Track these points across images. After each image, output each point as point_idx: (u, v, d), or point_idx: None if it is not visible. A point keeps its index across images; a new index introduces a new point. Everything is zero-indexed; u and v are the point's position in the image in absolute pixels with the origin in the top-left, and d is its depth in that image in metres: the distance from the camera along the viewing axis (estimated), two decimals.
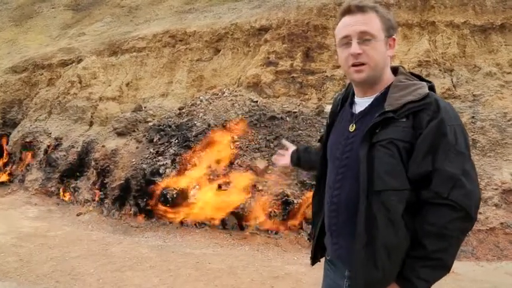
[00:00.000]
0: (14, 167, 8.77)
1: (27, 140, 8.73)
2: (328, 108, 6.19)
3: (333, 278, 1.59)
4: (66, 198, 7.32)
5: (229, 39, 8.26)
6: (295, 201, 5.46)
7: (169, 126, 7.03)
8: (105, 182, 6.87)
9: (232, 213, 5.61)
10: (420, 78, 1.48)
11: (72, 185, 7.42)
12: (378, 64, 1.40)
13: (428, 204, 1.29)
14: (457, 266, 4.42)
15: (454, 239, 1.28)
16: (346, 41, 1.41)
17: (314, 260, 1.72)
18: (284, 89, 7.22)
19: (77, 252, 4.83)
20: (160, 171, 6.25)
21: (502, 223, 4.97)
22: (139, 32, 9.54)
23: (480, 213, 5.09)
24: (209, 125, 6.68)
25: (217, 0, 9.92)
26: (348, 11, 1.42)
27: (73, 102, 8.76)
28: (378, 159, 1.31)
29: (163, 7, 10.59)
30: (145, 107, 7.98)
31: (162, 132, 6.97)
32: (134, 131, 7.55)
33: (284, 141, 2.30)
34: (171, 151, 6.50)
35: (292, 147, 2.12)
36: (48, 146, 8.28)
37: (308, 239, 5.14)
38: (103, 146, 7.40)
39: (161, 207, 6.00)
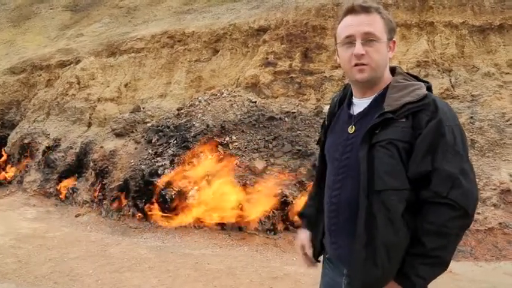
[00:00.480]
0: (13, 168, 8.75)
1: (26, 141, 8.72)
2: (326, 108, 6.19)
3: (331, 276, 1.60)
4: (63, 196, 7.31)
5: (228, 40, 8.26)
6: (294, 202, 5.46)
7: (168, 127, 7.03)
8: (103, 183, 6.86)
9: (231, 213, 5.60)
10: (417, 78, 1.49)
11: (71, 186, 7.41)
12: (379, 66, 1.41)
13: (428, 203, 1.30)
14: (455, 266, 4.43)
15: (452, 236, 1.30)
16: (350, 40, 1.40)
17: (316, 259, 1.72)
18: (283, 89, 7.22)
19: (75, 253, 4.82)
20: (159, 172, 6.24)
21: (500, 223, 4.98)
22: (137, 32, 9.53)
23: (478, 213, 5.09)
24: (208, 126, 6.68)
25: (216, 1, 9.92)
26: (352, 10, 1.41)
27: (71, 103, 8.75)
28: (377, 159, 1.32)
29: (162, 8, 10.59)
30: (143, 108, 7.97)
31: (160, 133, 6.96)
32: (133, 131, 7.54)
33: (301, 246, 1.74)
34: (170, 152, 6.49)
35: (304, 237, 1.73)
36: (47, 147, 8.27)
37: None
38: (101, 147, 7.39)
39: (160, 208, 5.99)
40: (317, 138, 1.88)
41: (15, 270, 4.29)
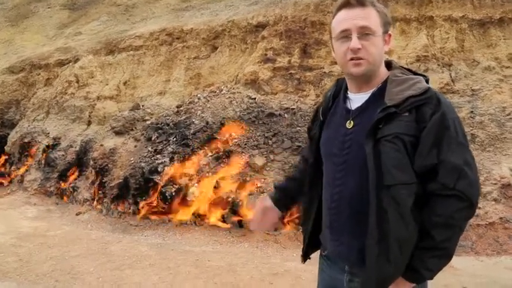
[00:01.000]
0: (13, 167, 8.76)
1: (26, 140, 8.72)
2: None
3: (329, 273, 1.58)
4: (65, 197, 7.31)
5: (227, 37, 8.23)
6: None
7: (167, 125, 7.02)
8: (103, 181, 6.86)
9: (231, 210, 5.61)
10: (413, 72, 1.48)
11: (71, 185, 7.41)
12: (376, 60, 1.40)
13: (435, 196, 1.31)
14: (456, 261, 4.42)
15: (458, 228, 1.31)
16: (345, 34, 1.39)
17: (305, 257, 1.72)
18: (282, 85, 7.20)
19: (76, 252, 4.82)
20: (159, 169, 6.24)
21: (501, 218, 4.97)
22: (136, 30, 9.51)
23: (479, 208, 5.08)
24: (207, 123, 6.67)
25: None
26: (347, 4, 1.40)
27: (71, 101, 8.74)
28: (384, 154, 1.31)
29: (160, 5, 10.55)
30: (143, 106, 7.96)
31: (160, 131, 6.95)
32: (132, 129, 7.53)
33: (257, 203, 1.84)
34: (170, 149, 6.48)
35: (264, 200, 1.81)
36: (47, 146, 8.27)
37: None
38: (101, 145, 7.39)
39: (160, 205, 5.99)
40: (307, 131, 1.82)
41: (16, 268, 4.29)
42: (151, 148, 6.72)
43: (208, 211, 5.74)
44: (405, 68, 1.49)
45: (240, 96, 7.15)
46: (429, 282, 1.42)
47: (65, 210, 6.95)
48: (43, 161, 8.07)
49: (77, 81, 8.92)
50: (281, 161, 5.97)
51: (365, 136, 1.35)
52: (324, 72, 7.10)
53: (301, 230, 1.76)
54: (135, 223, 6.05)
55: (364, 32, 1.36)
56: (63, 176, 7.62)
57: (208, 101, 7.27)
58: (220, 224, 5.66)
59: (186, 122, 6.88)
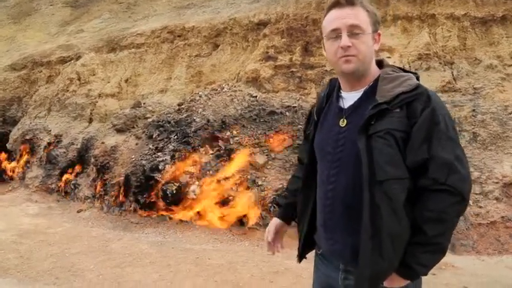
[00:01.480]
0: (15, 164, 8.79)
1: (27, 137, 8.74)
2: None
3: (324, 272, 1.59)
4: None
5: (228, 34, 8.21)
6: None
7: (169, 122, 7.01)
8: (105, 178, 6.87)
9: (232, 208, 5.60)
10: (404, 70, 1.51)
11: (73, 182, 7.43)
12: (366, 57, 1.42)
13: (427, 191, 1.32)
14: (457, 260, 4.41)
15: (450, 222, 1.32)
16: (336, 34, 1.42)
17: (301, 257, 1.73)
18: (283, 83, 7.18)
19: (77, 249, 4.83)
20: (160, 167, 6.24)
21: (502, 217, 4.95)
22: (137, 28, 9.50)
23: (481, 207, 5.07)
24: (208, 121, 6.66)
25: None
26: (337, 4, 1.43)
27: (72, 99, 8.75)
28: (377, 149, 1.32)
29: (162, 3, 10.53)
30: (144, 103, 7.95)
31: (161, 128, 6.95)
32: (133, 127, 7.54)
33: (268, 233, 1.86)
34: (171, 147, 6.48)
35: (274, 224, 1.86)
36: (48, 143, 8.28)
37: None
38: (102, 143, 7.40)
39: (161, 203, 6.00)
40: (303, 132, 1.84)
41: (17, 265, 4.30)
42: (153, 146, 6.72)
43: (209, 209, 5.74)
44: (396, 67, 1.52)
45: (242, 94, 7.13)
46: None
47: (66, 207, 6.97)
48: (44, 158, 8.09)
49: (79, 79, 8.93)
50: (282, 159, 5.96)
51: (357, 132, 1.37)
52: (326, 71, 7.08)
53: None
54: (135, 221, 6.06)
55: (354, 31, 1.39)
56: (64, 173, 7.64)
57: (210, 99, 7.26)
58: (220, 222, 5.66)
59: (187, 119, 6.87)
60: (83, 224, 6.14)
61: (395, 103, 1.34)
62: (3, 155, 9.30)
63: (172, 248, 4.91)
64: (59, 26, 11.63)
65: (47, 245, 4.96)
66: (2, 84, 9.95)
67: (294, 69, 7.23)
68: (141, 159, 6.55)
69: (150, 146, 6.74)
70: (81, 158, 7.67)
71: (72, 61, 9.44)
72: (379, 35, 1.49)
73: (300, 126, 6.32)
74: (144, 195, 6.17)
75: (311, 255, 1.74)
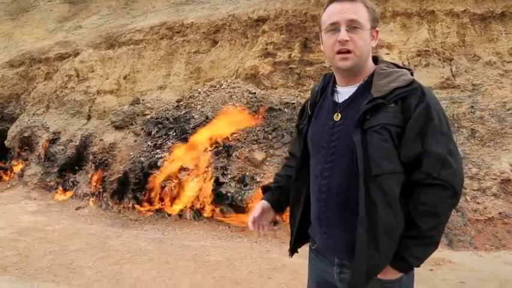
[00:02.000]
0: (13, 161, 8.77)
1: (26, 134, 8.72)
2: None
3: (320, 267, 1.59)
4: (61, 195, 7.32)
5: (227, 31, 8.19)
6: None
7: (167, 119, 7.01)
8: (103, 175, 6.87)
9: (230, 205, 5.61)
10: (398, 66, 1.52)
11: (71, 179, 7.42)
12: (363, 53, 1.43)
13: (420, 185, 1.34)
14: (455, 255, 4.43)
15: (443, 216, 1.35)
16: (334, 27, 1.42)
17: (293, 251, 1.71)
18: (282, 80, 7.17)
19: (75, 246, 4.83)
20: (159, 164, 6.24)
21: (500, 213, 4.96)
22: (136, 24, 9.47)
23: (479, 203, 5.08)
24: (207, 117, 6.65)
25: None
26: None
27: (70, 96, 8.73)
28: (372, 144, 1.33)
29: None
30: (143, 100, 7.94)
31: (160, 125, 6.94)
32: (132, 124, 7.53)
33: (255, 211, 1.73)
34: (169, 144, 6.48)
35: (261, 204, 1.74)
36: (47, 141, 8.27)
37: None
38: (101, 140, 7.39)
39: (159, 199, 6.00)
40: (295, 128, 1.81)
41: (16, 263, 4.30)
42: (151, 143, 6.71)
43: (208, 206, 5.74)
44: (390, 63, 1.53)
45: (240, 91, 7.12)
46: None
47: (65, 204, 6.97)
48: (43, 156, 8.08)
49: (77, 76, 8.90)
50: (281, 156, 5.96)
51: (353, 127, 1.37)
52: (325, 67, 7.07)
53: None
54: (134, 218, 6.07)
55: (353, 26, 1.40)
56: (63, 171, 7.63)
57: (208, 95, 7.25)
58: (219, 218, 5.66)
59: (186, 116, 6.87)
60: (81, 221, 6.14)
61: (390, 98, 1.35)
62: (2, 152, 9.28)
63: (171, 245, 4.92)
64: (57, 22, 11.58)
65: (45, 243, 4.95)
66: (0, 81, 9.93)
67: (292, 66, 7.22)
68: (140, 156, 6.55)
69: (149, 143, 6.73)
70: (80, 155, 7.66)
71: (71, 58, 9.40)
72: (377, 32, 1.50)
73: None
74: (143, 192, 6.18)
75: (305, 251, 1.73)
